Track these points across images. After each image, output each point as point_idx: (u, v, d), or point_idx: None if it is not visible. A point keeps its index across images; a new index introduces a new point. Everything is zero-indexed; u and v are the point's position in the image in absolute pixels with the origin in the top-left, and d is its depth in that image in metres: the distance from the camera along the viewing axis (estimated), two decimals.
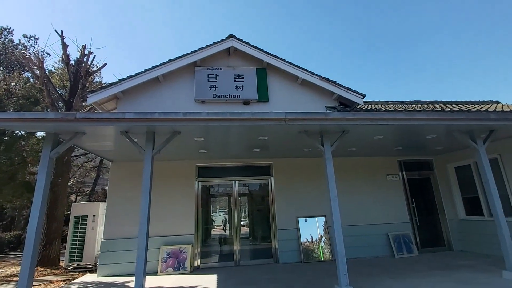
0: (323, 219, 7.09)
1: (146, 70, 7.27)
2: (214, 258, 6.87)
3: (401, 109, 7.65)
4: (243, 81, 7.86)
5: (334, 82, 7.84)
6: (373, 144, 6.15)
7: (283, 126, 4.17)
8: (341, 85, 7.85)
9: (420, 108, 8.23)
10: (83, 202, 11.35)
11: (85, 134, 4.23)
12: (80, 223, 8.09)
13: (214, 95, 7.67)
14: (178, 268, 6.10)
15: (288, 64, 7.87)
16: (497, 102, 11.47)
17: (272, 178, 7.34)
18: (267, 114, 3.93)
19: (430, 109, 7.75)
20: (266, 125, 4.19)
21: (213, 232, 7.30)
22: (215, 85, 7.78)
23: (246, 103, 7.75)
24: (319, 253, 6.71)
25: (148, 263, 4.64)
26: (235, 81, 7.88)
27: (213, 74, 7.90)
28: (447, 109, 7.56)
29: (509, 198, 5.99)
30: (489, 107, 7.87)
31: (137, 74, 7.18)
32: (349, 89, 7.83)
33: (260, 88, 7.86)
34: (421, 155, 7.98)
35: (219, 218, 7.58)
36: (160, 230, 6.40)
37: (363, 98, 7.86)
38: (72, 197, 19.10)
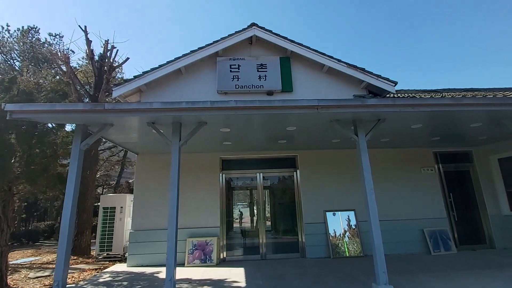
0: (351, 213, 6.78)
1: (168, 62, 7.21)
2: (239, 251, 6.81)
3: (437, 97, 7.10)
4: (266, 71, 7.62)
5: (362, 69, 7.39)
6: (408, 134, 5.73)
7: (315, 114, 3.91)
8: (371, 72, 7.39)
9: (458, 96, 7.61)
10: (111, 194, 11.72)
11: (112, 126, 4.21)
12: (108, 214, 8.32)
13: (237, 86, 7.50)
14: (205, 260, 6.08)
15: (313, 52, 7.51)
16: None
17: (298, 171, 7.11)
18: (298, 101, 3.69)
19: (470, 96, 7.13)
20: (296, 114, 3.94)
21: (237, 225, 7.24)
22: (238, 76, 7.60)
23: (270, 93, 7.51)
24: (343, 249, 6.44)
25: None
26: (258, 71, 7.65)
27: (235, 65, 7.71)
28: (488, 96, 6.92)
29: None
30: None
31: (160, 66, 7.14)
32: (379, 76, 7.36)
33: (284, 78, 7.59)
34: (459, 146, 7.40)
35: (243, 211, 7.50)
36: (186, 222, 6.39)
37: (394, 86, 7.37)
38: (99, 190, 19.91)
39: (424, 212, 6.84)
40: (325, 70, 7.69)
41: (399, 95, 7.96)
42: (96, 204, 11.18)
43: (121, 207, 8.29)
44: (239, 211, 7.41)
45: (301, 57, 7.70)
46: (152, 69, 7.06)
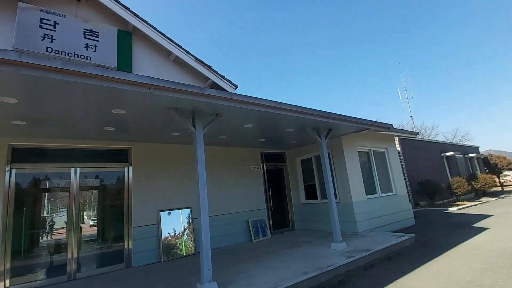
0: (188, 211, 6.58)
1: None
2: (35, 274, 4.92)
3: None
4: (97, 40, 6.14)
5: (209, 67, 7.50)
6: (242, 133, 6.22)
7: (147, 96, 3.32)
8: (216, 72, 7.63)
9: None
10: None
11: None
12: None
13: (50, 49, 5.59)
14: None
15: (160, 35, 6.83)
16: None
17: (131, 167, 6.10)
18: (124, 74, 2.97)
19: None
20: (122, 91, 3.19)
21: (44, 239, 5.28)
22: (52, 36, 5.68)
23: None
24: (181, 247, 6.19)
25: None
26: (85, 37, 6.04)
27: (50, 20, 5.74)
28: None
29: (335, 185, 7.61)
30: None
31: None
32: (223, 77, 7.72)
33: (121, 55, 6.40)
34: (277, 149, 8.99)
35: (57, 219, 5.58)
36: None
37: (235, 89, 7.96)
38: None
39: (250, 205, 7.72)
40: (172, 59, 7.19)
41: None
42: None
43: None
44: (51, 220, 5.45)
45: (146, 38, 6.81)
46: None
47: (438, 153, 16.36)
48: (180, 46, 7.07)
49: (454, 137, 33.09)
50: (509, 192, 17.20)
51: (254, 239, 7.22)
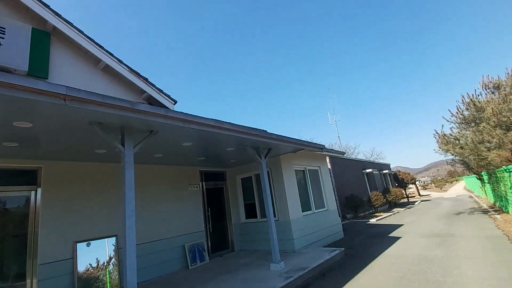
0: (113, 239, 5.75)
1: None
2: None
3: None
4: (2, 38, 5.12)
5: (145, 79, 6.99)
6: (180, 151, 5.86)
7: (62, 108, 2.81)
8: (153, 85, 7.15)
9: None
10: None
11: None
12: None
13: None
14: None
15: (86, 39, 6.10)
16: None
17: (39, 190, 5.07)
18: (30, 81, 2.46)
19: None
20: (29, 102, 2.64)
21: None
22: None
23: (6, 72, 5.03)
24: (105, 279, 5.34)
25: None
26: None
27: None
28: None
29: (274, 203, 7.74)
30: None
31: None
32: (161, 91, 7.28)
33: (35, 58, 5.47)
34: (218, 167, 8.78)
35: None
36: None
37: (174, 104, 7.58)
38: None
39: (188, 227, 7.22)
40: (102, 67, 6.47)
41: None
42: None
43: None
44: None
45: (70, 41, 6.00)
46: None
47: (360, 170, 18.47)
48: (111, 54, 6.41)
49: (371, 155, 38.09)
50: (413, 202, 20.36)
51: (191, 266, 6.71)
